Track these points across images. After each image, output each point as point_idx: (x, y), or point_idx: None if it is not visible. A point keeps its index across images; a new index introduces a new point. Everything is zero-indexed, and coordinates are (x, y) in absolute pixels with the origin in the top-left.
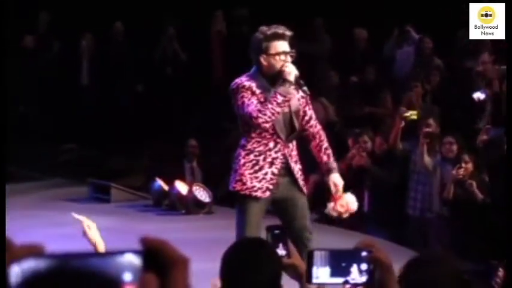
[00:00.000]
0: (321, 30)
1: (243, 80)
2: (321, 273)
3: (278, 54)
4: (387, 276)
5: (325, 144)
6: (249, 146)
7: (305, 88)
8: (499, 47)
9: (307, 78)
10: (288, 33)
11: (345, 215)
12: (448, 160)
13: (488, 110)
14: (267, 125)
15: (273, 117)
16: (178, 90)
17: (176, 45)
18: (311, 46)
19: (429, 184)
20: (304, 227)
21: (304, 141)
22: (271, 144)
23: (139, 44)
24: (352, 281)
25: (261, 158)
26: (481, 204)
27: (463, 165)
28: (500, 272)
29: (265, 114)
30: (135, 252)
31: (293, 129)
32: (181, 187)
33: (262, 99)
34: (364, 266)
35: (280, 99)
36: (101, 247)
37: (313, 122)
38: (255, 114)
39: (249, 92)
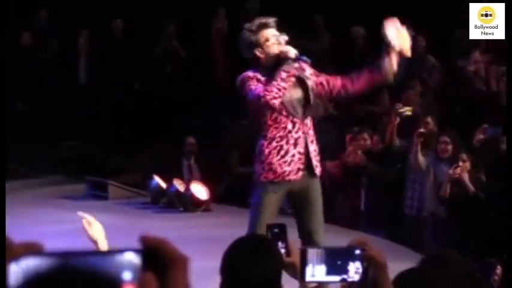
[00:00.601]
0: (321, 27)
1: (248, 72)
2: (317, 271)
3: (269, 39)
4: (381, 274)
5: (343, 78)
6: (269, 135)
7: (305, 58)
8: (497, 46)
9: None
10: (271, 20)
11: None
12: (442, 160)
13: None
14: (276, 102)
15: (280, 93)
16: (178, 88)
17: (176, 43)
18: (311, 44)
19: (425, 183)
20: (316, 231)
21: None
22: (290, 126)
23: (139, 42)
24: (348, 279)
25: (284, 142)
26: (476, 202)
27: (460, 163)
28: (498, 270)
29: (271, 91)
30: (135, 251)
31: (307, 104)
32: (179, 185)
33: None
34: (357, 264)
35: (283, 74)
36: (103, 245)
37: (326, 80)
38: (262, 94)
39: (254, 80)
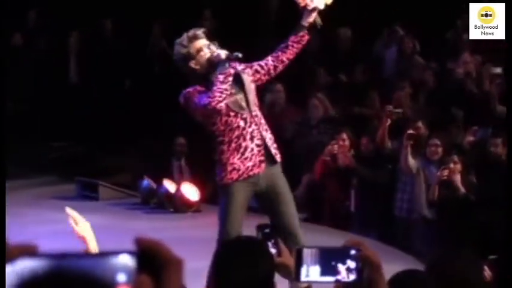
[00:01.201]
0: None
1: (187, 89)
2: (312, 271)
3: (201, 50)
4: (376, 274)
5: (272, 54)
6: (226, 138)
7: (237, 54)
8: (489, 46)
9: (297, 76)
10: (200, 31)
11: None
12: (432, 162)
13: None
14: (222, 105)
15: (223, 95)
16: (167, 88)
17: (164, 42)
18: None
19: (415, 186)
20: (292, 224)
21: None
22: (242, 123)
23: (128, 41)
24: (342, 280)
25: (241, 140)
26: (466, 203)
27: (451, 165)
28: (487, 272)
29: (214, 96)
30: (129, 253)
31: (251, 99)
32: (169, 185)
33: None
34: (352, 264)
35: (221, 77)
36: (92, 243)
37: (259, 65)
38: (207, 102)
39: (195, 93)
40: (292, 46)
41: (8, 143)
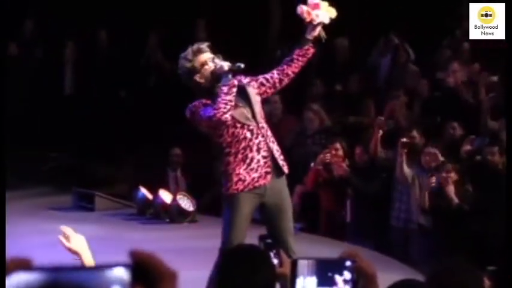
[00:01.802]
0: None
1: (194, 103)
2: (308, 282)
3: (205, 63)
4: (371, 285)
5: (277, 68)
6: (233, 150)
7: (239, 64)
8: (487, 55)
9: (294, 87)
10: (204, 45)
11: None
12: (428, 171)
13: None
14: (227, 116)
15: (228, 106)
16: (163, 99)
17: (160, 54)
18: None
19: (412, 195)
20: (288, 242)
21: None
22: (249, 134)
23: (123, 53)
24: None
25: (248, 151)
26: (460, 213)
27: (443, 174)
28: (486, 283)
29: (219, 108)
30: (124, 265)
31: (258, 111)
32: (165, 196)
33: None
34: (348, 276)
35: (225, 89)
36: (88, 258)
37: (265, 78)
38: (212, 113)
39: (201, 106)
40: (298, 60)
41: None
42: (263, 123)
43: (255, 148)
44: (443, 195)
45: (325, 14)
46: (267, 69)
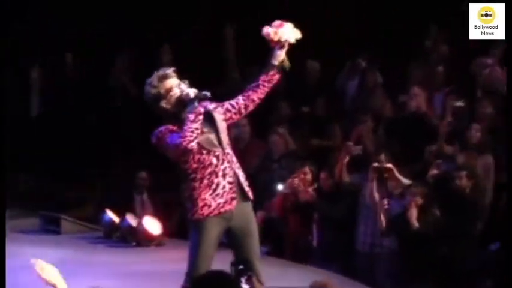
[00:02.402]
0: None
1: (160, 128)
2: None
3: (171, 89)
4: None
5: (243, 93)
6: (198, 176)
7: (205, 93)
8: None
9: (262, 110)
10: (170, 70)
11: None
12: (393, 195)
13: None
14: (194, 144)
15: (194, 134)
16: (130, 122)
17: (126, 78)
18: None
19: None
20: (256, 263)
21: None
22: (214, 160)
23: (90, 76)
24: None
25: (213, 176)
26: (426, 237)
27: (408, 197)
28: None
29: (185, 136)
30: None
31: (223, 137)
32: (132, 219)
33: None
34: None
35: (191, 117)
36: (62, 287)
37: (230, 104)
38: (178, 141)
39: (167, 132)
40: (263, 85)
41: None
42: (228, 149)
43: (220, 174)
44: (405, 219)
45: (291, 32)
46: (231, 94)
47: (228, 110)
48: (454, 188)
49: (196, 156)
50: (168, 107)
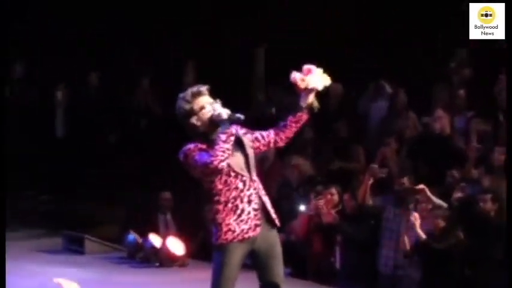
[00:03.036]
0: None
1: (189, 145)
2: None
3: (203, 107)
4: None
5: (275, 129)
6: (223, 198)
7: (239, 116)
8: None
9: None
10: (204, 88)
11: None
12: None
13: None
14: (224, 164)
15: (225, 155)
16: (154, 142)
17: (150, 97)
18: (290, 98)
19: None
20: (280, 285)
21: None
22: (241, 185)
23: (114, 96)
24: None
25: (238, 201)
26: (450, 259)
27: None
28: None
29: (216, 156)
30: None
31: (252, 163)
32: (155, 240)
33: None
34: None
35: (223, 137)
36: None
37: (261, 134)
38: (208, 161)
39: (196, 150)
40: (291, 126)
41: None
42: (255, 176)
43: (246, 200)
44: (428, 241)
45: (319, 80)
46: (258, 118)
47: (257, 139)
48: (478, 211)
49: (224, 178)
50: (199, 124)
